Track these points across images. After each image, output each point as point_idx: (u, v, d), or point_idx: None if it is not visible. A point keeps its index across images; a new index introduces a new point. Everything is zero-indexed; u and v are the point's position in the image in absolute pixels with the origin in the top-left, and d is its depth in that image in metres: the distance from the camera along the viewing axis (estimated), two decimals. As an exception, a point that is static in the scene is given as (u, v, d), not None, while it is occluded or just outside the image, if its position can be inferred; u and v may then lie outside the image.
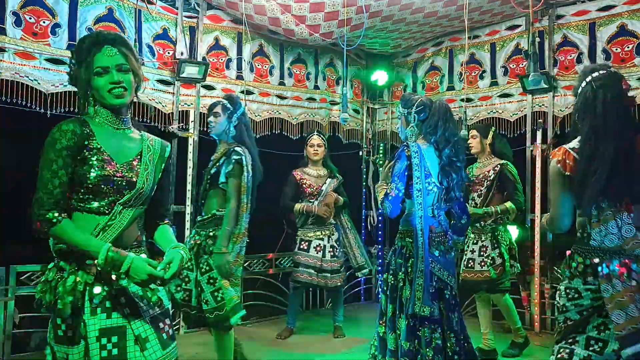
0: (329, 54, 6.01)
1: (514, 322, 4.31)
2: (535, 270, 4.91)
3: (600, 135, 2.09)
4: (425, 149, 2.97)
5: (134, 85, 1.89)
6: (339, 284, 4.92)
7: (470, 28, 4.84)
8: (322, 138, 5.07)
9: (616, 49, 4.71)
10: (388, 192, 2.90)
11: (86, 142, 1.80)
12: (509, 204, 4.16)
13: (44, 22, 4.08)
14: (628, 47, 4.65)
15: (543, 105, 5.14)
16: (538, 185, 4.92)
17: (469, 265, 4.24)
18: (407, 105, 3.07)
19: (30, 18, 4.01)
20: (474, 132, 4.44)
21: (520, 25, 5.35)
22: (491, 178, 4.27)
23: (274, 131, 5.55)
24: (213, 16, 5.11)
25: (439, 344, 2.84)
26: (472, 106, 5.69)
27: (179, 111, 4.93)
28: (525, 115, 5.28)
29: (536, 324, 4.94)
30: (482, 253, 4.19)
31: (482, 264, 4.16)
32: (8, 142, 4.54)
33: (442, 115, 2.99)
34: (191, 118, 5.01)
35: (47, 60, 4.09)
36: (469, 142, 4.36)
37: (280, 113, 5.60)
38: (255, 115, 5.39)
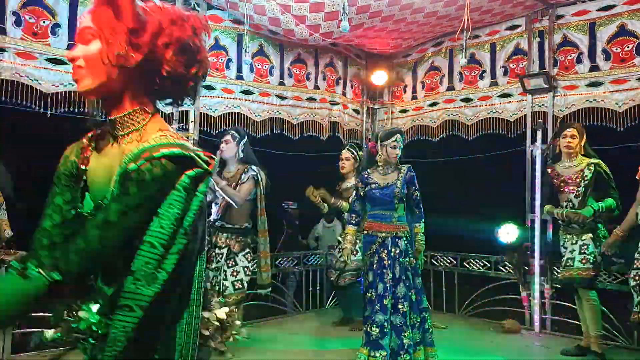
0: (329, 54, 6.01)
1: (598, 325, 4.17)
2: (535, 270, 4.91)
3: None
4: None
5: (103, 59, 1.26)
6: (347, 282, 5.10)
7: (470, 28, 4.85)
8: (350, 151, 5.15)
9: (616, 49, 4.71)
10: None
11: None
12: (611, 201, 4.06)
13: (44, 22, 4.08)
14: (628, 47, 4.65)
15: (543, 105, 5.15)
16: (538, 185, 4.92)
17: (568, 264, 4.17)
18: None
19: (30, 18, 4.01)
20: (574, 131, 4.22)
21: (520, 25, 5.35)
22: (588, 177, 4.14)
23: (274, 131, 5.55)
24: (213, 16, 5.11)
25: None
26: (472, 106, 5.69)
27: (179, 111, 4.94)
28: (525, 115, 5.28)
29: (536, 324, 4.94)
30: (582, 251, 4.12)
31: (584, 261, 4.09)
32: (8, 142, 4.54)
33: None
34: (191, 118, 5.02)
35: (47, 60, 4.10)
36: (568, 142, 4.21)
37: (280, 113, 5.60)
38: (255, 115, 5.39)
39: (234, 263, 4.25)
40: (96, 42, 1.27)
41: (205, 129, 5.09)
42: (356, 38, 5.63)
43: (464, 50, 4.32)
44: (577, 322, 4.82)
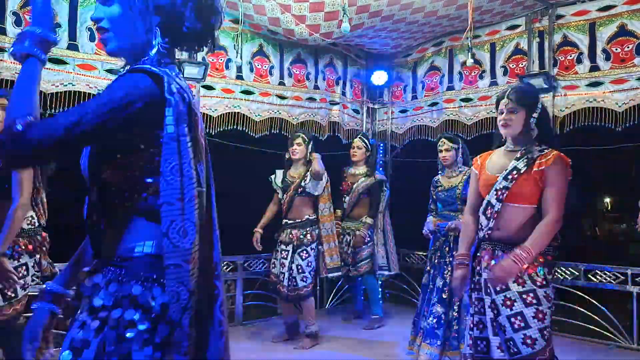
0: (328, 54, 6.00)
1: None
2: (535, 270, 4.90)
3: None
4: None
5: (126, 22, 1.32)
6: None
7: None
8: (362, 140, 5.33)
9: (616, 49, 4.71)
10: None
11: None
12: None
13: (43, 22, 4.06)
14: (628, 47, 4.65)
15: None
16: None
17: None
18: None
19: (30, 18, 4.00)
20: None
21: (520, 25, 5.34)
22: None
23: (273, 131, 5.55)
24: (213, 16, 5.10)
25: None
26: (472, 106, 5.69)
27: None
28: (525, 115, 5.28)
29: (536, 323, 4.93)
30: None
31: None
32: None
33: None
34: (191, 118, 5.00)
35: (48, 60, 4.07)
36: None
37: (280, 113, 5.60)
38: (256, 115, 5.39)
39: (307, 254, 4.62)
40: (117, 5, 1.30)
41: (205, 129, 5.07)
42: (356, 38, 5.63)
43: (469, 50, 4.34)
44: (576, 322, 4.83)
